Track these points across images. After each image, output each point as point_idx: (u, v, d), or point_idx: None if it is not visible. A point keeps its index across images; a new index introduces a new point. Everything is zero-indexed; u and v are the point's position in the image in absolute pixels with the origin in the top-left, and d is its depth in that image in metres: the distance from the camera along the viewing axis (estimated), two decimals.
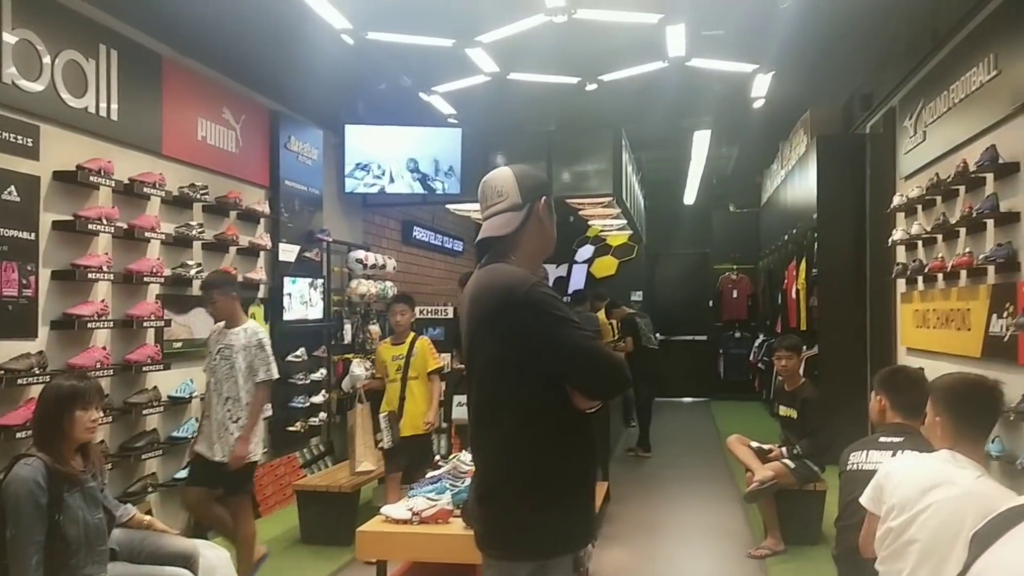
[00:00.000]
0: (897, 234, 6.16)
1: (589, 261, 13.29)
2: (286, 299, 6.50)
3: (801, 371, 5.75)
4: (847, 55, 6.94)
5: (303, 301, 6.78)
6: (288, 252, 6.58)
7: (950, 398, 2.41)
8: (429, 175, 8.02)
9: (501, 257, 2.02)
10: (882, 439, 3.04)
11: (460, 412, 5.90)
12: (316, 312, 6.97)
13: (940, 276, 5.33)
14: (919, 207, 5.83)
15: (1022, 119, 4.18)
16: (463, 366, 5.37)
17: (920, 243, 5.81)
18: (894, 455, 2.92)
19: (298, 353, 6.63)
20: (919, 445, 2.94)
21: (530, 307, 1.89)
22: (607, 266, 13.28)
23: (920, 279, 5.80)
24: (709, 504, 6.50)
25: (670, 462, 8.33)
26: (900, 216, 6.27)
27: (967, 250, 4.92)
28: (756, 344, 11.91)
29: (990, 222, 4.60)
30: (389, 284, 7.93)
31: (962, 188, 5.03)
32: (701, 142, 9.63)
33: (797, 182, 9.06)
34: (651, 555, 5.31)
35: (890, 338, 6.79)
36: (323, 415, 6.96)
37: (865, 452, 3.04)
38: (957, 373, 2.64)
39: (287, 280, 6.54)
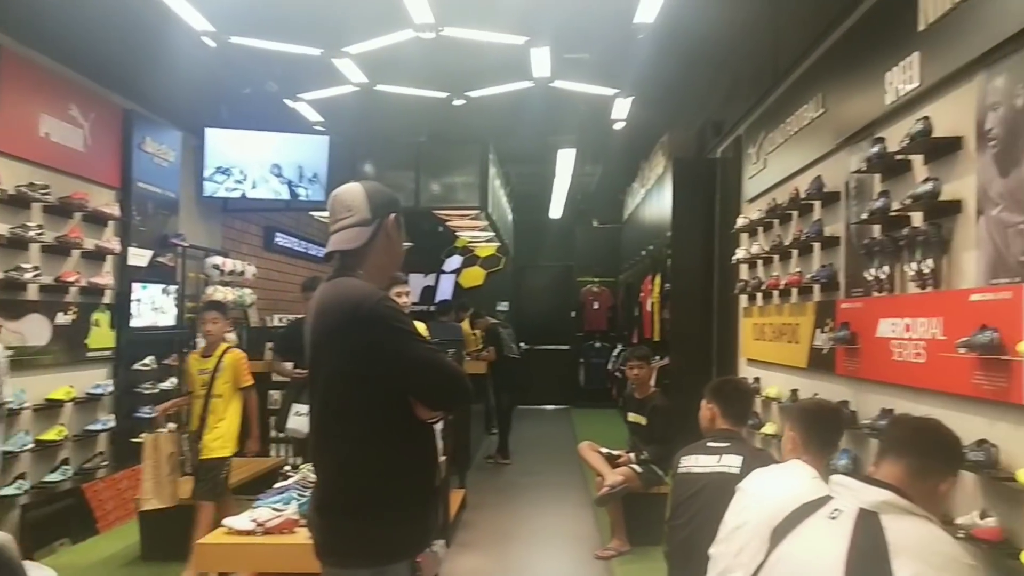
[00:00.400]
0: (740, 253, 6.60)
1: (457, 271, 13.42)
2: (135, 305, 6.22)
3: (653, 380, 6.07)
4: (700, 85, 7.41)
5: (154, 308, 6.50)
6: (139, 257, 6.30)
7: (803, 417, 2.71)
8: (294, 181, 7.89)
9: (348, 271, 2.07)
10: (710, 444, 3.30)
11: (297, 422, 5.39)
12: (168, 319, 6.70)
13: (775, 293, 5.76)
14: (759, 228, 6.26)
15: (843, 153, 4.61)
16: (303, 373, 5.31)
17: (760, 262, 6.25)
18: (720, 459, 3.19)
19: (146, 361, 6.35)
20: (742, 450, 3.24)
21: (375, 321, 1.95)
22: (474, 277, 13.45)
23: (759, 295, 6.24)
24: (562, 509, 6.72)
25: (528, 469, 8.53)
26: (744, 236, 6.72)
27: (797, 270, 5.35)
28: (614, 354, 12.38)
29: (816, 245, 5.03)
30: (248, 291, 7.73)
31: (795, 213, 5.46)
32: (566, 159, 9.96)
33: (655, 201, 9.52)
34: (504, 560, 5.45)
35: (733, 350, 7.26)
36: (172, 425, 6.66)
37: (695, 456, 3.30)
38: (812, 397, 2.96)
39: (137, 286, 6.25)
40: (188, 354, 5.31)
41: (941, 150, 3.39)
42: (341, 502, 1.99)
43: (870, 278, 3.97)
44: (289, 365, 5.62)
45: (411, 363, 1.96)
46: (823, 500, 1.86)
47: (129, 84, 6.18)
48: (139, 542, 5.18)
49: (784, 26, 5.82)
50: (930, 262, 3.41)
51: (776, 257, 5.85)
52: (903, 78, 3.67)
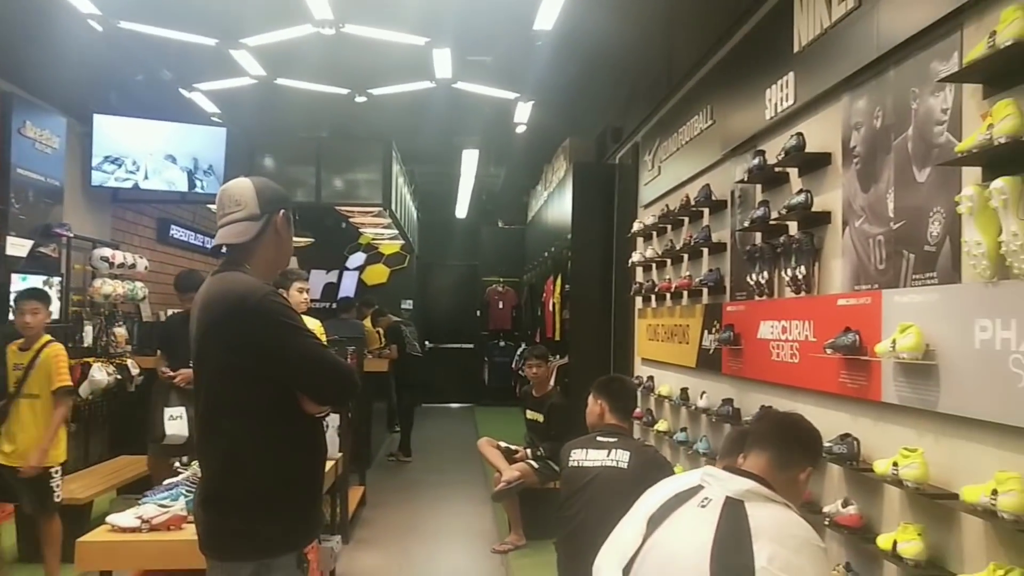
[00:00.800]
0: (635, 256, 6.82)
1: (360, 268, 13.28)
2: (12, 297, 5.91)
3: (552, 379, 6.21)
4: (601, 92, 7.61)
5: None
6: (18, 247, 5.98)
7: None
8: (193, 172, 7.66)
9: (235, 265, 2.07)
10: (599, 439, 3.43)
11: (175, 427, 5.12)
12: (52, 312, 6.38)
13: (667, 295, 5.98)
14: (654, 233, 6.49)
15: (729, 164, 4.84)
16: (171, 373, 5.16)
17: (654, 265, 6.48)
18: (609, 453, 3.33)
19: None
20: (630, 445, 3.39)
21: (260, 316, 1.96)
22: (378, 274, 13.34)
23: (653, 297, 6.47)
24: (462, 506, 6.80)
25: (430, 466, 8.56)
26: (639, 240, 6.94)
27: (688, 273, 5.57)
28: (518, 353, 12.54)
29: (705, 250, 5.26)
30: (139, 284, 7.45)
31: (686, 219, 5.69)
32: (470, 160, 10.03)
33: (556, 204, 9.70)
34: (402, 556, 5.47)
35: (629, 349, 7.49)
36: None
37: (585, 450, 3.41)
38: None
39: (16, 277, 5.94)
40: (6, 345, 4.63)
41: (813, 164, 3.62)
42: (224, 496, 1.99)
43: (752, 283, 4.19)
44: (165, 367, 5.36)
45: (297, 358, 1.98)
46: (695, 490, 1.97)
47: (8, 66, 5.86)
48: (15, 544, 4.96)
49: (677, 39, 6.07)
50: (803, 268, 3.64)
51: (669, 261, 6.08)
52: (780, 95, 3.91)
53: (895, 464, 2.63)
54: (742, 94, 4.48)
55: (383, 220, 10.02)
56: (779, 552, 1.73)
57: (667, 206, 6.05)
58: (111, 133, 7.23)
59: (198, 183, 7.70)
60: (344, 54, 5.96)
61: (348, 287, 12.99)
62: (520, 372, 12.27)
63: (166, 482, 3.48)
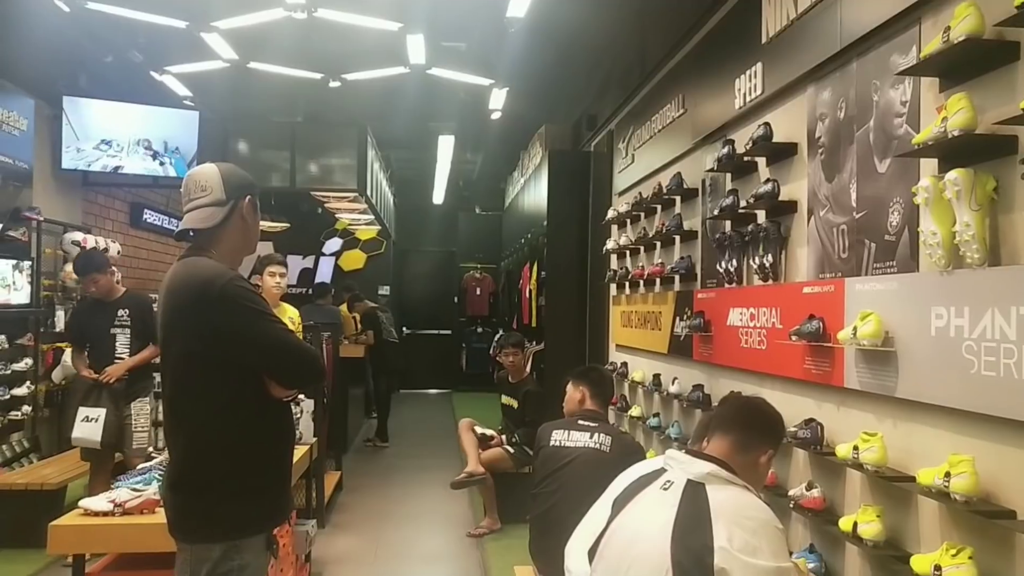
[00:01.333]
0: (610, 243, 6.87)
1: (337, 254, 13.23)
2: None
3: (528, 365, 6.25)
4: (576, 80, 7.62)
5: (5, 284, 6.13)
6: None
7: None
8: (160, 154, 7.59)
9: (200, 251, 2.08)
10: (581, 422, 3.50)
11: (85, 431, 4.77)
12: (22, 296, 6.33)
13: (641, 282, 6.04)
14: (628, 220, 6.54)
15: (699, 152, 4.89)
16: (93, 375, 4.76)
17: (628, 252, 6.53)
18: (591, 436, 3.42)
19: None
20: (610, 431, 3.50)
21: (225, 301, 1.98)
22: (355, 260, 13.30)
23: (627, 284, 6.52)
24: (438, 491, 6.83)
25: (407, 452, 8.60)
26: (614, 228, 6.99)
27: (660, 260, 5.63)
28: (495, 339, 12.58)
29: (677, 238, 5.31)
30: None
31: (659, 207, 5.73)
32: (446, 146, 10.01)
33: (533, 191, 9.72)
34: (378, 540, 5.51)
35: (604, 336, 7.55)
36: (27, 408, 6.35)
37: (567, 431, 3.47)
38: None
39: None
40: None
41: (780, 154, 3.68)
42: (192, 479, 2.02)
43: (721, 270, 4.24)
44: (86, 369, 4.94)
45: (262, 343, 2.00)
46: (658, 472, 2.03)
47: None
48: None
49: (649, 27, 6.10)
50: (770, 257, 3.69)
51: (642, 248, 6.12)
52: (749, 85, 3.95)
53: (855, 448, 2.70)
54: (712, 83, 4.53)
55: (359, 206, 9.99)
56: (737, 533, 1.78)
57: (640, 194, 6.09)
58: (82, 116, 7.14)
59: (169, 167, 7.63)
60: (317, 38, 5.92)
61: (324, 273, 12.94)
62: (497, 359, 12.36)
63: (140, 466, 3.49)
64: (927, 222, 2.35)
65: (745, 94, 4.01)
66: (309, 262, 13.02)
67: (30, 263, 6.46)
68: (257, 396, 2.02)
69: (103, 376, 4.85)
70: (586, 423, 3.47)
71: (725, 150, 4.13)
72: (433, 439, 9.27)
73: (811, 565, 3.01)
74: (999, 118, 2.14)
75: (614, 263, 6.90)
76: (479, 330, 13.71)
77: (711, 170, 4.44)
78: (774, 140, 3.63)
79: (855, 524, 2.65)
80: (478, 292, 13.89)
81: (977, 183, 2.13)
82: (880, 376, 2.69)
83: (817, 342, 3.11)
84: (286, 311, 5.07)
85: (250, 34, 5.66)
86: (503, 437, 5.77)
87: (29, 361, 6.40)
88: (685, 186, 5.07)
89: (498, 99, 7.58)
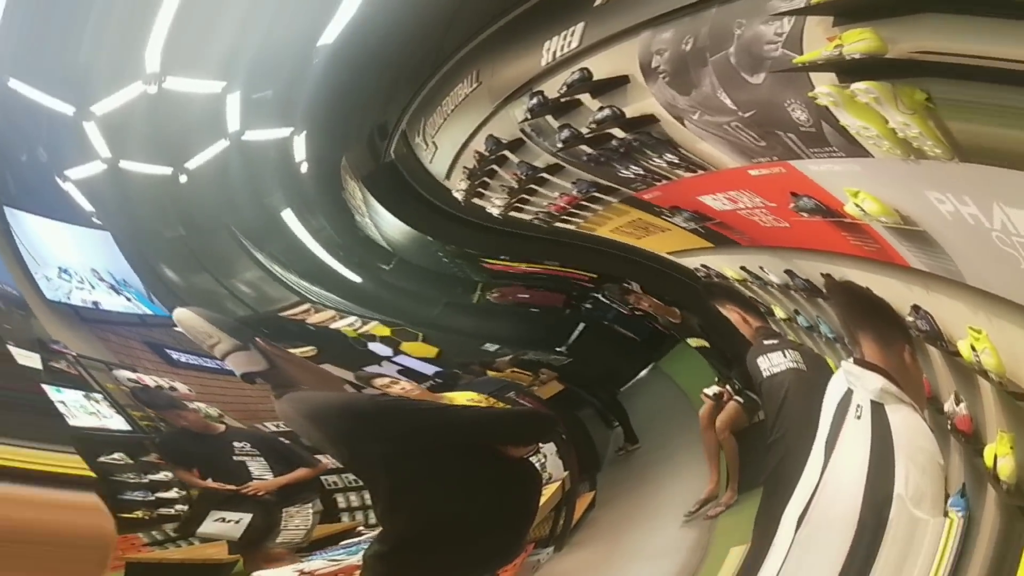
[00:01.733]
0: (494, 211, 6.79)
1: None
2: None
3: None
4: (365, 94, 7.24)
5: (88, 412, 5.63)
6: None
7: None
8: (118, 286, 6.70)
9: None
10: (766, 342, 3.04)
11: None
12: (116, 423, 5.87)
13: (573, 209, 6.02)
14: (481, 189, 6.40)
15: (504, 111, 4.75)
16: None
17: (521, 203, 6.52)
18: (784, 355, 2.94)
19: None
20: (787, 343, 2.99)
21: None
22: None
23: (565, 220, 6.51)
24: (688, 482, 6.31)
25: (659, 443, 7.70)
26: (476, 201, 6.85)
27: (558, 194, 5.68)
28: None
29: (544, 175, 5.28)
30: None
31: (494, 167, 5.56)
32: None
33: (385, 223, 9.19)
34: (613, 552, 5.11)
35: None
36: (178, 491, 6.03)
37: (766, 356, 3.00)
38: None
39: None
40: None
41: (607, 86, 3.36)
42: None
43: (634, 175, 3.98)
44: None
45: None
46: (848, 396, 1.80)
47: None
48: None
49: (457, 20, 5.84)
50: (672, 155, 3.27)
51: (532, 188, 6.10)
52: (562, 44, 3.83)
53: (973, 348, 2.15)
54: (514, 53, 4.42)
55: None
56: (912, 472, 1.62)
57: (465, 168, 5.90)
58: (34, 235, 5.95)
59: (137, 302, 6.52)
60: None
61: None
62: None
63: (344, 542, 2.94)
64: (848, 119, 2.09)
65: (556, 52, 3.87)
66: None
67: (99, 394, 5.76)
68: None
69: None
70: (770, 341, 3.02)
71: (534, 100, 3.86)
72: (671, 428, 8.25)
73: (959, 513, 2.02)
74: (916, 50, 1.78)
75: (524, 215, 6.86)
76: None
77: (525, 120, 4.20)
78: (595, 78, 3.26)
79: (995, 457, 1.90)
80: None
81: (900, 93, 1.83)
82: (935, 258, 2.28)
83: (830, 217, 2.60)
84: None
85: (115, 120, 5.05)
86: (727, 389, 4.70)
87: None
88: (505, 141, 4.92)
89: (300, 149, 7.21)
